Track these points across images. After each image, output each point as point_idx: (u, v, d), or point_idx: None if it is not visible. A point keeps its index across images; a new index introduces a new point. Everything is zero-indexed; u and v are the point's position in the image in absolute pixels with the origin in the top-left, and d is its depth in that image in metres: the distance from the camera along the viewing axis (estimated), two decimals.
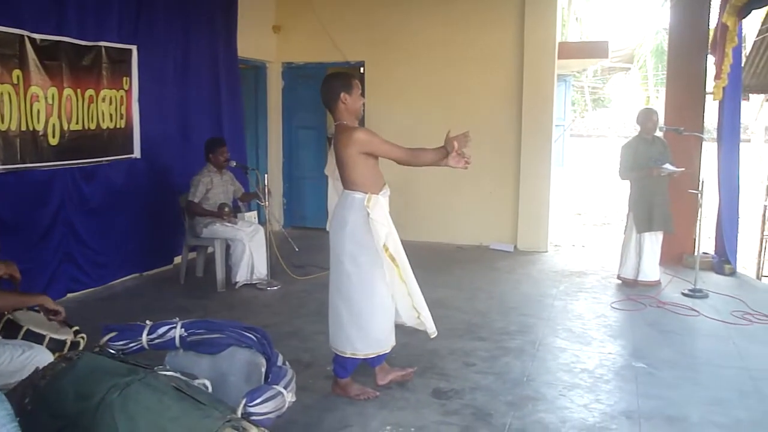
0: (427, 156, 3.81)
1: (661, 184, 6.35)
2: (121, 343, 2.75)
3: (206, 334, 2.73)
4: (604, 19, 29.00)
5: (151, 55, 6.57)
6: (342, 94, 3.81)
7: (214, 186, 6.39)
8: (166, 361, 2.76)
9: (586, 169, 17.33)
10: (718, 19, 6.55)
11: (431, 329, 4.05)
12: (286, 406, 2.45)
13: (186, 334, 2.74)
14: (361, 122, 8.16)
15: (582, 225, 10.97)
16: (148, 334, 2.77)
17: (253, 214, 6.84)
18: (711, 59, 7.14)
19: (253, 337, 2.66)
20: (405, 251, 3.91)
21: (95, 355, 2.49)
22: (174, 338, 2.75)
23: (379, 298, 3.87)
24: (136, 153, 6.53)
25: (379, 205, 3.80)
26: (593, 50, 10.72)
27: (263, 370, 2.58)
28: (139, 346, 2.78)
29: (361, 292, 3.83)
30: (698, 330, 5.39)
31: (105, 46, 6.03)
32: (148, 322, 2.80)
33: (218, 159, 6.40)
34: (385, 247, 3.78)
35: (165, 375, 2.33)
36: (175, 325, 2.77)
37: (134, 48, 6.38)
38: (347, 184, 3.85)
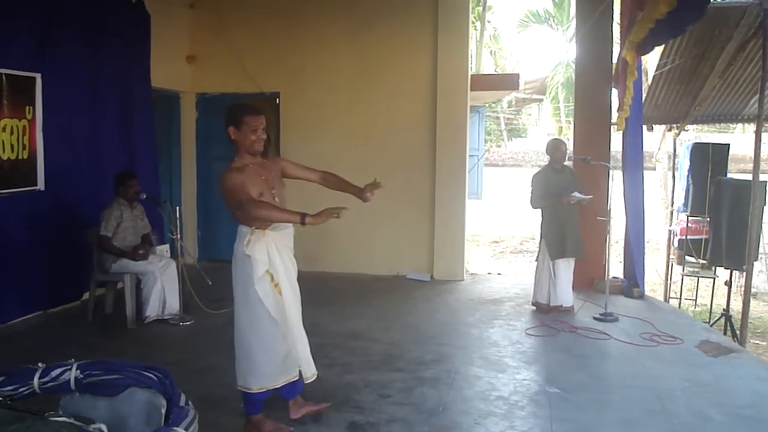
0: (283, 214, 3.64)
1: (571, 211, 6.53)
2: (9, 388, 2.57)
3: (103, 375, 2.59)
4: (517, 52, 29.98)
5: (57, 83, 6.34)
6: (230, 128, 3.67)
7: (125, 220, 6.19)
8: (60, 406, 2.61)
9: (502, 198, 17.68)
10: (619, 53, 6.84)
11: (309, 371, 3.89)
12: None
13: (82, 375, 2.59)
14: (276, 153, 8.16)
15: (498, 253, 11.17)
16: (40, 378, 2.61)
17: (165, 248, 6.64)
18: (615, 92, 7.43)
19: (153, 376, 2.54)
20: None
21: None
22: (69, 380, 2.60)
23: (265, 331, 3.75)
24: (40, 185, 6.26)
25: (262, 240, 3.67)
26: (505, 82, 11.00)
27: (164, 411, 2.48)
28: (30, 390, 2.60)
29: (247, 325, 3.76)
30: (609, 353, 5.54)
31: (5, 74, 5.79)
32: (40, 364, 2.64)
33: (128, 192, 6.21)
34: (271, 277, 3.70)
35: (56, 421, 2.19)
36: (70, 366, 2.62)
37: (38, 76, 6.14)
38: (240, 217, 3.73)
